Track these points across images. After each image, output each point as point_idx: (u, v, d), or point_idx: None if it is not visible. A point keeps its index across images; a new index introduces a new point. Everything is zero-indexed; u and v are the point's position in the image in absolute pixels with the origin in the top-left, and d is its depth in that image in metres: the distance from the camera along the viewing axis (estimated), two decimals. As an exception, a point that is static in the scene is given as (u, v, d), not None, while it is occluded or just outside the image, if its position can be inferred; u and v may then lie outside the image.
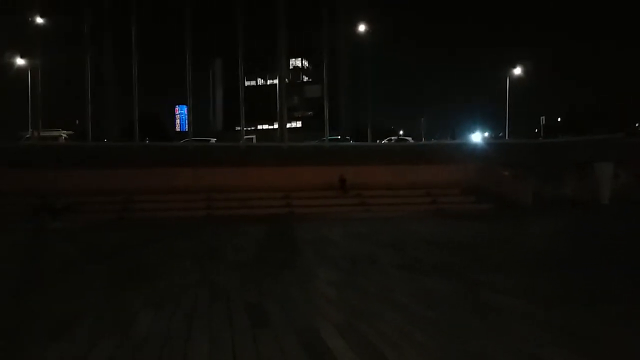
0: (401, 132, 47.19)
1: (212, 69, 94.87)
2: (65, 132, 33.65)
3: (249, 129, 68.42)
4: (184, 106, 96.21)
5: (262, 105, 73.56)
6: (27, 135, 31.04)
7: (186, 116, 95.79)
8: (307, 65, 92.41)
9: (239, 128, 45.69)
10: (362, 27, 33.50)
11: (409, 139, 37.62)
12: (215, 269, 9.00)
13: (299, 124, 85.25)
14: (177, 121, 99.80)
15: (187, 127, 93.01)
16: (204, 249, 11.55)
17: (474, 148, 30.32)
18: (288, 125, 44.57)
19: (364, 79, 32.79)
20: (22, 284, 8.06)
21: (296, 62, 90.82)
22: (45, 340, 5.31)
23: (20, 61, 33.26)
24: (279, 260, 9.88)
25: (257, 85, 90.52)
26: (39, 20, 28.03)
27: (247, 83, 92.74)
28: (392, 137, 39.62)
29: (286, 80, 48.94)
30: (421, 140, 39.05)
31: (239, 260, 9.95)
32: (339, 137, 35.72)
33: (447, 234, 14.00)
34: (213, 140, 35.83)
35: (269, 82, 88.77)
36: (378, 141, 33.98)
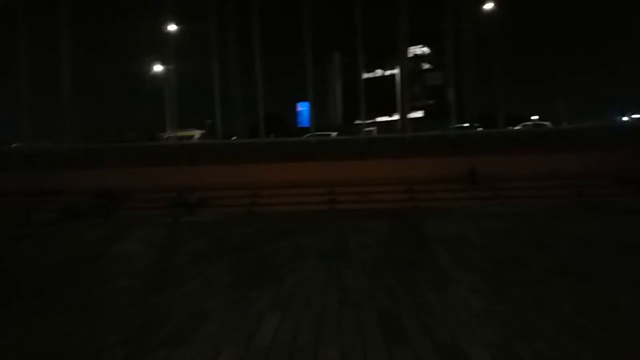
0: (535, 117, 42.96)
1: (331, 64, 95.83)
2: (198, 131, 35.95)
3: (369, 121, 67.73)
4: (306, 103, 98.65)
5: (382, 96, 72.53)
6: (165, 136, 33.58)
7: (307, 112, 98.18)
8: (427, 51, 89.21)
9: (358, 121, 45.19)
10: (489, 5, 30.93)
11: (547, 123, 34.02)
12: (341, 268, 8.40)
13: (420, 114, 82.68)
14: (299, 118, 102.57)
15: (308, 123, 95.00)
16: (329, 246, 11.05)
17: (628, 131, 26.38)
18: (409, 115, 43.14)
19: (493, 61, 30.29)
20: (155, 279, 8.18)
21: (415, 50, 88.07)
22: (169, 345, 5.08)
23: (157, 68, 36.02)
24: (410, 260, 9.01)
25: (375, 77, 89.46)
26: (172, 27, 29.93)
27: (365, 75, 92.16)
28: (527, 123, 36.21)
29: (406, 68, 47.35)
30: (561, 124, 35.07)
31: (366, 259, 9.25)
32: (467, 124, 33.47)
33: (605, 232, 11.97)
34: (334, 134, 35.78)
35: (387, 72, 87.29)
36: (510, 128, 31.23)
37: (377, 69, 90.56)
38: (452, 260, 8.92)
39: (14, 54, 26.87)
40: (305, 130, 69.92)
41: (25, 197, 22.90)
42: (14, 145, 29.66)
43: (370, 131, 35.68)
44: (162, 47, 30.18)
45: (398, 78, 51.77)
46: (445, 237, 11.78)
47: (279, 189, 22.55)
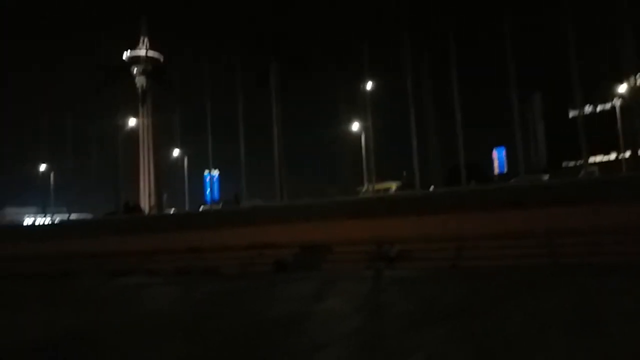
0: None
1: (531, 104, 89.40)
2: (394, 183, 35.66)
3: (579, 162, 60.25)
4: (502, 148, 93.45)
5: (595, 134, 64.18)
6: (363, 189, 34.00)
7: (503, 158, 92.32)
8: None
9: (567, 163, 39.98)
10: None
11: None
12: (605, 349, 6.29)
13: (646, 150, 70.48)
14: (495, 163, 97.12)
15: (504, 168, 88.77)
16: (572, 313, 8.79)
17: None
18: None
19: None
20: (367, 350, 7.14)
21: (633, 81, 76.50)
22: None
23: (355, 125, 37.28)
24: None
25: (585, 114, 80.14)
26: (369, 84, 30.63)
27: (572, 113, 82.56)
28: None
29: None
30: None
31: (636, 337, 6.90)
32: None
33: None
34: (545, 176, 31.93)
35: (598, 108, 77.53)
36: None
37: (585, 105, 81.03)
38: None
39: (234, 122, 30.45)
40: (503, 176, 64.94)
41: (242, 250, 24.89)
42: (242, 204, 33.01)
43: (592, 172, 30.85)
44: (360, 104, 31.12)
45: (618, 113, 45.41)
46: None
47: (486, 240, 20.29)
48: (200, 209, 39.68)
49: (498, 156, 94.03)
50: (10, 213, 62.74)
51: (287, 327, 8.92)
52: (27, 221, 49.62)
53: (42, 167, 38.24)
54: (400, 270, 18.96)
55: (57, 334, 9.95)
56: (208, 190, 56.51)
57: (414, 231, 22.15)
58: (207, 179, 60.42)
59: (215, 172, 58.68)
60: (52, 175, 37.76)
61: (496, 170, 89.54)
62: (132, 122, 43.65)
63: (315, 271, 20.78)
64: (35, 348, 8.46)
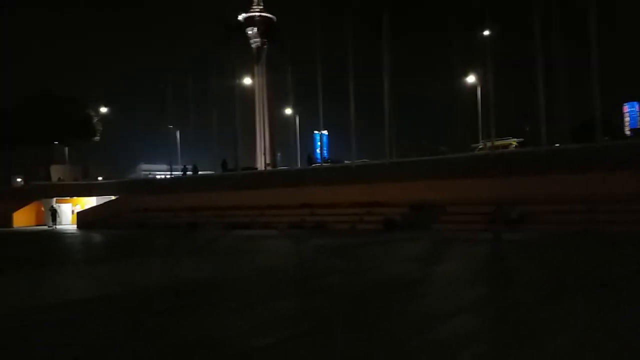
0: None
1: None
2: (514, 139, 33.06)
3: None
4: (635, 103, 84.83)
5: None
6: (480, 146, 31.92)
7: (637, 113, 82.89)
8: None
9: None
10: None
11: None
12: None
13: None
14: (626, 119, 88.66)
15: (637, 125, 79.38)
16: None
17: None
18: None
19: None
20: (500, 322, 6.53)
21: None
22: None
23: (470, 78, 34.89)
24: None
25: None
26: (486, 32, 28.14)
27: None
28: None
29: None
30: None
31: None
32: None
33: None
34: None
35: None
36: None
37: None
38: None
39: (344, 80, 29.89)
40: (637, 132, 57.81)
41: (351, 207, 24.98)
42: (346, 162, 32.97)
43: None
44: (477, 53, 28.86)
45: None
46: None
47: (622, 202, 18.10)
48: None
49: (630, 111, 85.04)
50: (144, 169, 69.20)
51: (401, 290, 8.51)
52: (158, 176, 54.22)
53: (170, 126, 40.96)
54: (523, 233, 17.66)
55: (179, 281, 10.56)
56: (318, 149, 57.38)
57: (538, 191, 20.41)
58: (317, 138, 61.36)
59: (325, 132, 59.33)
60: (177, 133, 40.33)
61: (627, 126, 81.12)
62: (247, 81, 44.94)
63: (426, 231, 20.13)
64: (159, 293, 9.04)
